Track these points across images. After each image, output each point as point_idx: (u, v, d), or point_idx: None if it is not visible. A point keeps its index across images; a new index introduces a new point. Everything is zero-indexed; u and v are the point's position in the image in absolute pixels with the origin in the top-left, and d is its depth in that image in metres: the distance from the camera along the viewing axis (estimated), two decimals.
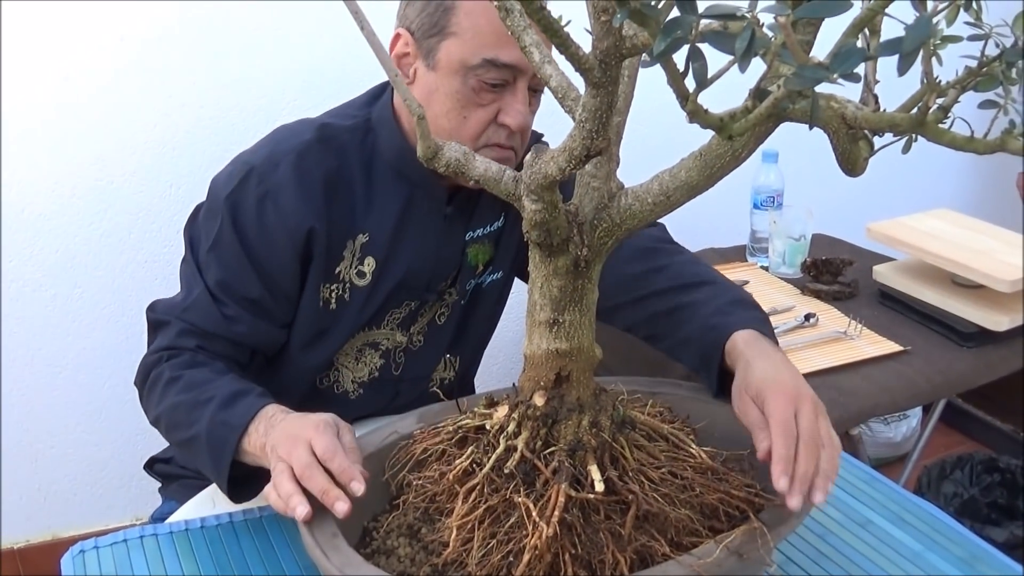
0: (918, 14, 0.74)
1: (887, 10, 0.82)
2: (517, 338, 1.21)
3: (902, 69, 0.69)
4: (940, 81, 0.89)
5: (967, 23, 0.87)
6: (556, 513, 1.09)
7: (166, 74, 2.47)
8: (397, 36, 1.56)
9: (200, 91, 2.52)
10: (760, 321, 1.45)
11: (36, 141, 2.42)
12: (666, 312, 1.52)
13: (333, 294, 1.60)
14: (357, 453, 1.30)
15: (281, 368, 1.64)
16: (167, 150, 2.52)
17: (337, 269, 1.59)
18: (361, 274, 1.60)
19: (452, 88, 1.49)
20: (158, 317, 1.58)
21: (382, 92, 1.64)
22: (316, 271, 1.57)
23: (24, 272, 2.50)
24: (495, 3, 1.08)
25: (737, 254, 2.81)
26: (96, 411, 2.66)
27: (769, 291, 2.54)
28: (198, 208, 1.63)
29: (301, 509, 1.20)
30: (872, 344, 2.26)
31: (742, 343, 1.38)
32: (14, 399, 2.58)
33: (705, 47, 0.70)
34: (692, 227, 2.51)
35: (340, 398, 1.69)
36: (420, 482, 1.23)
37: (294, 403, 1.43)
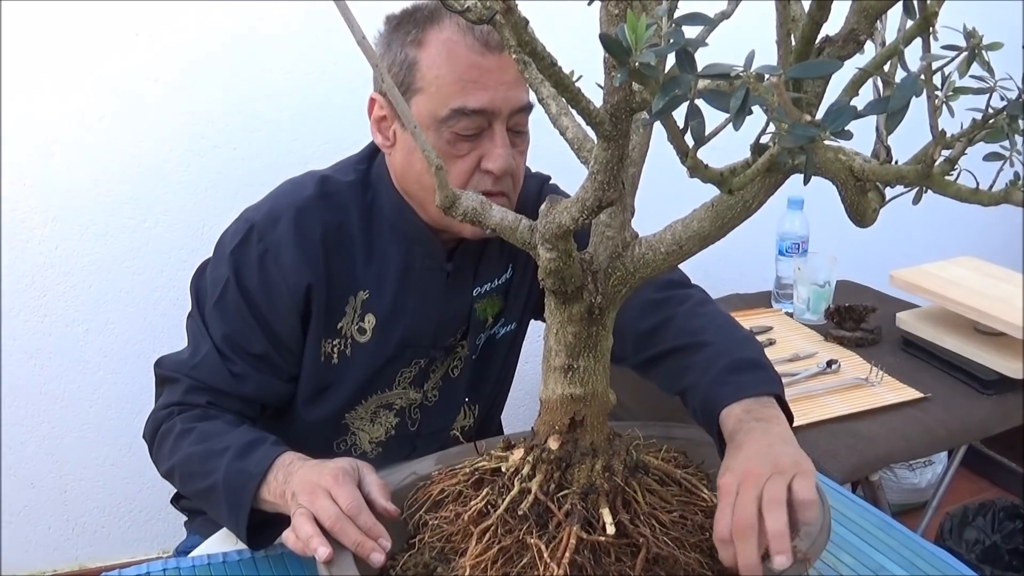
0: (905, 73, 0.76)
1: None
2: None
3: (889, 128, 0.71)
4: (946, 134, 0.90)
5: (973, 76, 0.89)
6: (567, 555, 1.11)
7: (199, 115, 2.53)
8: (372, 101, 1.56)
9: (233, 133, 2.57)
10: (751, 383, 1.41)
11: (70, 181, 2.48)
12: (676, 375, 1.52)
13: (335, 349, 1.61)
14: (386, 488, 1.32)
15: (289, 424, 1.65)
16: (199, 191, 2.57)
17: (339, 324, 1.59)
18: (362, 330, 1.60)
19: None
20: (166, 373, 1.59)
21: (379, 147, 1.62)
22: (317, 326, 1.57)
23: (57, 308, 2.55)
24: (514, 56, 1.12)
25: (762, 300, 2.82)
26: (126, 445, 2.70)
27: (792, 337, 2.55)
28: (204, 264, 1.65)
29: (323, 550, 1.22)
30: (893, 391, 2.26)
31: (727, 431, 1.36)
32: (45, 432, 2.63)
33: (703, 104, 0.72)
34: (718, 273, 2.52)
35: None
36: (436, 522, 1.25)
37: None
